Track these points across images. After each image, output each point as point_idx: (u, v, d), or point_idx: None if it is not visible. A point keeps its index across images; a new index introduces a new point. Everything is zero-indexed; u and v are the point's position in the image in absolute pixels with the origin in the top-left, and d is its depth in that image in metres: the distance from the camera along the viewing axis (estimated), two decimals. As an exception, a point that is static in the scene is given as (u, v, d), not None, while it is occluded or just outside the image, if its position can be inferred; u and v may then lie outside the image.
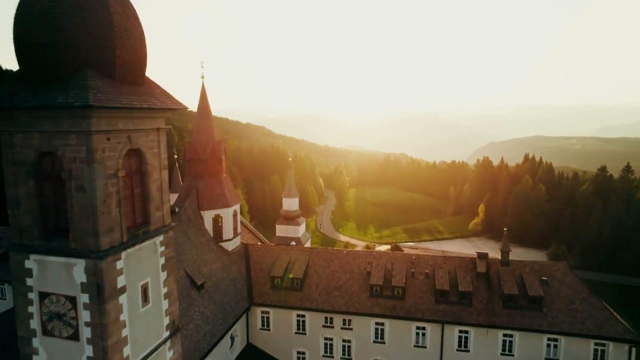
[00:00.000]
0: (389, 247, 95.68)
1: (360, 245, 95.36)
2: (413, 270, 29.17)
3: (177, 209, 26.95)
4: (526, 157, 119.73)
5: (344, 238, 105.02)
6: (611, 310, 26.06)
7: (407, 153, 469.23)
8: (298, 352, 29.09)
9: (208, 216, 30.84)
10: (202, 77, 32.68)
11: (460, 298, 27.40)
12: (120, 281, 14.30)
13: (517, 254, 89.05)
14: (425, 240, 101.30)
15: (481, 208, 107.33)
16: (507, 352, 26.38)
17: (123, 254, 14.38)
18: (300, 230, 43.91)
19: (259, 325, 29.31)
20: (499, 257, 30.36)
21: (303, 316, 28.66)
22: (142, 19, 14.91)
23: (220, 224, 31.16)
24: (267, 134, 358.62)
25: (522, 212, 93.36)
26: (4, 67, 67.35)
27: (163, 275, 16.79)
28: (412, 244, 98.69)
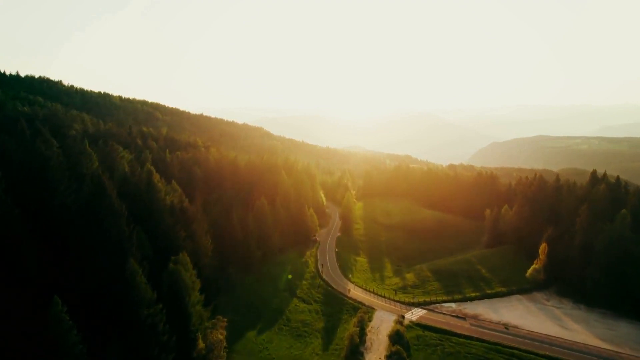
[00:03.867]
0: (423, 312, 63.71)
1: (381, 311, 63.36)
2: None
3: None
4: (594, 173, 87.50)
5: (355, 292, 72.71)
6: None
7: (411, 154, 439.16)
8: None
9: None
10: None
11: None
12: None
13: (622, 332, 57.29)
14: (471, 298, 69.24)
15: (543, 248, 75.07)
16: None
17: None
18: None
19: None
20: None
21: None
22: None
23: None
24: (264, 135, 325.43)
25: (617, 263, 61.69)
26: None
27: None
28: (454, 305, 66.82)
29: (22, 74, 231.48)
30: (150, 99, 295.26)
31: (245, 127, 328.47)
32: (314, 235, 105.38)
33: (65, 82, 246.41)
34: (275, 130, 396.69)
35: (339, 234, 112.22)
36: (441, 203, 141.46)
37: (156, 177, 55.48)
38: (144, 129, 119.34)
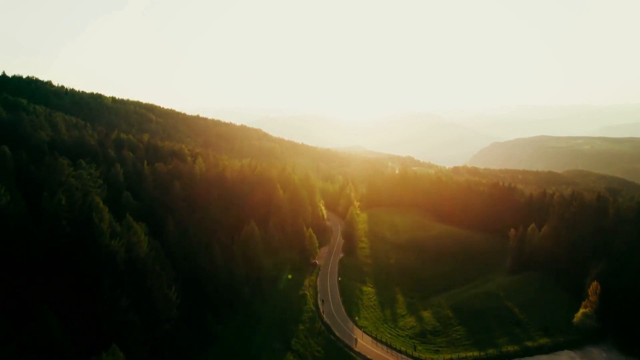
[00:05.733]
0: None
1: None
2: None
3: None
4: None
5: (363, 343, 58.21)
6: None
7: (412, 154, 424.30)
8: None
9: None
10: None
11: None
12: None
13: None
14: (509, 355, 54.54)
15: (594, 288, 60.49)
16: None
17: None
18: None
19: None
20: None
21: None
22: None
23: None
24: (263, 136, 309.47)
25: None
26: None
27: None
28: (489, 366, 52.52)
29: (23, 75, 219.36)
30: (150, 99, 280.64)
31: (243, 128, 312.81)
32: (314, 258, 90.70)
33: (64, 83, 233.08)
34: (275, 130, 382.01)
35: (341, 255, 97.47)
36: (453, 215, 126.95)
37: (104, 209, 40.81)
38: (122, 135, 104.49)
